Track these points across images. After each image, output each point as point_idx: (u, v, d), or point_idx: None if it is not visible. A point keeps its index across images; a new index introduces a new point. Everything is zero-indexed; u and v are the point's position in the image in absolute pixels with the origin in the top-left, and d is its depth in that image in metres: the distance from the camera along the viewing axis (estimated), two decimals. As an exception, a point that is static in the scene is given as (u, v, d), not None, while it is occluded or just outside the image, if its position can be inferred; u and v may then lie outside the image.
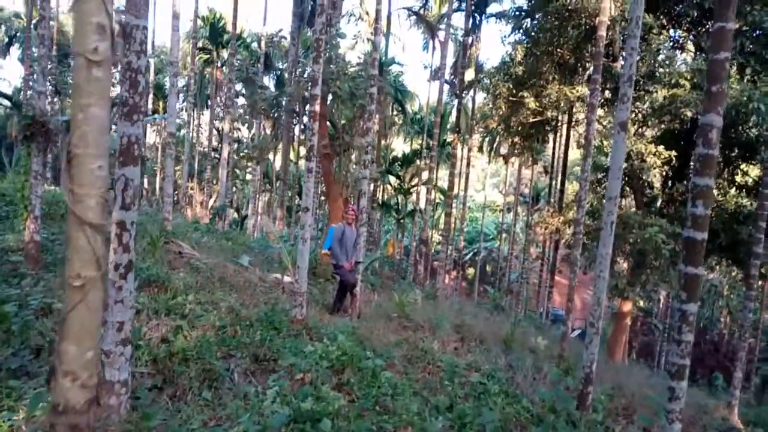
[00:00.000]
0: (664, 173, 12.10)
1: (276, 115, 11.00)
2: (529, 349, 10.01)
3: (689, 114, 10.75)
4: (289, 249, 14.39)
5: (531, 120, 14.07)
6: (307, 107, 6.07)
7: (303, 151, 30.75)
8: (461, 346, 8.64)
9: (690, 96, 10.64)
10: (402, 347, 7.36)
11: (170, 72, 9.56)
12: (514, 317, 15.83)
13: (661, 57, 12.56)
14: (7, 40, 28.47)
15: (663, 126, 11.40)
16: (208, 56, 26.51)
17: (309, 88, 6.04)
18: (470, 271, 48.26)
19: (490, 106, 14.32)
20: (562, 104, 12.84)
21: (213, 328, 5.65)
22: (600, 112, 15.02)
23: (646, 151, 11.24)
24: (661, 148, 11.44)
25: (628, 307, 14.04)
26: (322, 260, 11.76)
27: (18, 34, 26.60)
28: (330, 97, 11.60)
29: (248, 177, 29.58)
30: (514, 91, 13.62)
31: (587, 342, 5.93)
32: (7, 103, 29.94)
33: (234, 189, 39.95)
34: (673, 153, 11.54)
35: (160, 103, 28.14)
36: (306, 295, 6.85)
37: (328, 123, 12.07)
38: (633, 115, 11.69)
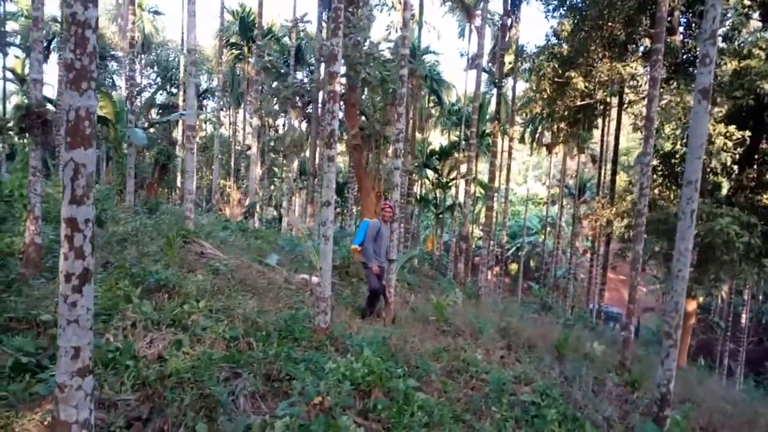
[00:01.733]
0: (734, 157, 10.79)
1: (302, 104, 10.33)
2: (584, 356, 8.98)
3: (767, 87, 9.43)
4: (319, 247, 13.77)
5: (578, 103, 12.91)
6: (327, 87, 5.25)
7: (339, 146, 30.32)
8: (508, 354, 7.71)
9: (766, 66, 9.32)
10: (441, 358, 6.51)
11: (188, 60, 8.95)
12: (564, 318, 14.71)
13: (725, 27, 11.21)
14: (45, 43, 28.96)
15: (735, 102, 10.10)
16: (239, 52, 26.15)
17: (326, 62, 5.22)
18: (513, 266, 46.82)
19: (534, 89, 13.23)
20: (614, 83, 11.65)
21: (222, 341, 4.93)
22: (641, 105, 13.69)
23: (714, 132, 9.97)
24: (732, 127, 10.15)
25: (692, 306, 12.72)
26: (354, 257, 11.00)
27: (56, 38, 26.94)
28: (360, 84, 10.79)
29: (289, 174, 29.20)
30: (560, 71, 12.49)
31: (663, 356, 4.94)
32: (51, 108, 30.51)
33: (272, 186, 39.86)
34: (747, 133, 10.23)
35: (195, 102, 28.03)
36: (330, 300, 6.07)
37: (358, 112, 11.28)
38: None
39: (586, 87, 11.99)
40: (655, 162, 14.21)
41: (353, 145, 11.05)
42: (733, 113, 10.96)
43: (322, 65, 10.54)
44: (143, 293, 5.82)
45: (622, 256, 14.11)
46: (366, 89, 10.80)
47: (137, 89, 12.21)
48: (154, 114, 33.23)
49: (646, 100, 12.09)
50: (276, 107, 9.85)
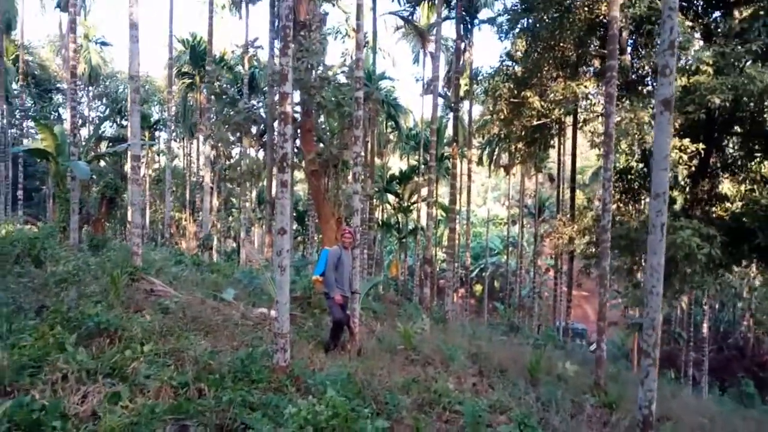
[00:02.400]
0: (689, 170, 10.95)
1: (256, 131, 9.95)
2: (558, 378, 8.75)
3: (717, 101, 9.63)
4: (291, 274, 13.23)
5: (535, 123, 12.98)
6: (279, 109, 4.92)
7: (297, 173, 29.90)
8: (480, 381, 7.39)
9: (714, 82, 9.54)
10: (411, 390, 6.13)
11: (132, 87, 8.49)
12: (532, 338, 14.54)
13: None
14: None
15: (687, 116, 10.30)
16: (191, 81, 25.62)
17: (277, 85, 4.90)
18: (477, 287, 46.90)
19: (491, 110, 13.27)
20: (569, 102, 11.76)
21: (169, 389, 4.43)
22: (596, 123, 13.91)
23: (669, 146, 10.09)
24: (686, 141, 10.32)
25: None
26: (316, 288, 10.55)
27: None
28: (315, 108, 10.51)
29: (246, 204, 28.53)
30: (515, 92, 12.58)
31: (642, 376, 4.70)
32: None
33: (230, 218, 38.92)
34: (701, 146, 10.41)
35: (146, 133, 27.19)
36: (290, 336, 5.63)
37: (314, 137, 10.98)
38: (651, 110, 10.59)
39: (542, 106, 12.08)
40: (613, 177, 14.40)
41: (311, 171, 10.72)
42: (685, 128, 11.20)
43: (275, 90, 10.24)
44: (80, 339, 5.26)
45: (585, 272, 14.13)
46: (321, 114, 10.53)
47: (80, 121, 11.59)
48: (104, 147, 32.11)
49: (600, 117, 12.27)
50: (228, 134, 9.44)
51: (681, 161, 10.31)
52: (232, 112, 9.50)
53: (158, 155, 35.21)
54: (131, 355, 4.82)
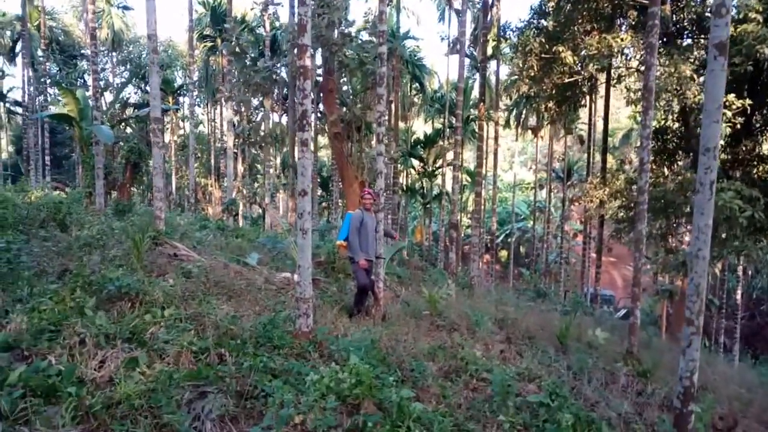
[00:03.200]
0: (734, 127, 10.30)
1: (276, 93, 9.67)
2: (588, 344, 8.51)
3: (767, 51, 8.93)
4: (315, 239, 13.12)
5: (566, 80, 12.36)
6: (297, 62, 4.63)
7: (321, 138, 29.56)
8: (508, 348, 7.19)
9: (763, 30, 8.84)
10: (437, 358, 5.97)
11: (149, 47, 8.25)
12: (560, 304, 14.27)
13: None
14: (11, 44, 27.79)
15: (732, 69, 9.62)
16: (212, 44, 25.27)
17: (295, 37, 4.59)
18: (503, 253, 46.54)
19: (520, 66, 12.67)
20: (604, 57, 11.10)
21: (188, 354, 4.33)
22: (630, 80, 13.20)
23: (713, 102, 9.48)
24: (731, 96, 9.68)
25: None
26: (340, 252, 10.42)
27: (21, 39, 25.89)
28: (337, 68, 10.16)
29: (270, 170, 28.47)
30: (546, 47, 11.93)
31: (685, 345, 4.42)
32: (20, 110, 29.46)
33: (256, 184, 39.05)
34: (747, 102, 9.76)
35: (170, 99, 27.11)
36: (313, 301, 5.48)
37: (337, 98, 10.65)
38: (692, 63, 9.94)
39: (574, 62, 11.47)
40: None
41: (333, 133, 10.43)
42: (730, 82, 10.46)
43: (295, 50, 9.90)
44: (100, 303, 5.20)
45: (616, 237, 13.68)
46: (344, 73, 10.16)
47: (102, 85, 11.45)
48: (130, 113, 32.25)
49: (637, 73, 11.62)
50: (249, 96, 9.18)
51: (724, 118, 9.69)
52: (252, 73, 9.20)
53: (182, 121, 35.23)
54: (151, 320, 4.72)
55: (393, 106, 16.28)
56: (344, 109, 10.63)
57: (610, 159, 31.60)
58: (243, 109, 8.92)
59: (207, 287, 6.86)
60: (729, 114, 9.71)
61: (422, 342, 6.67)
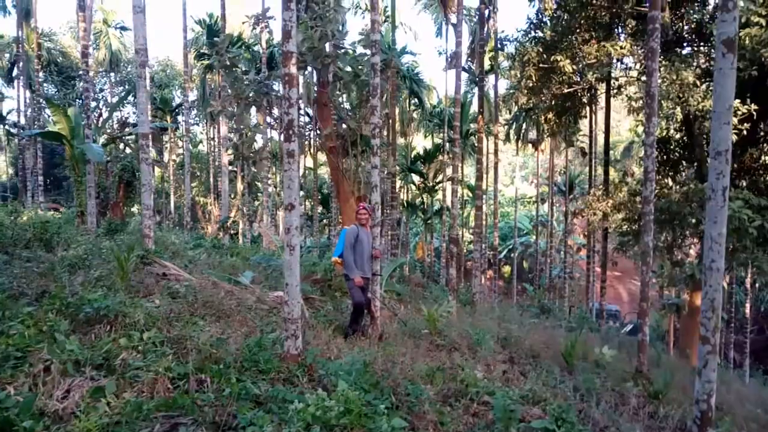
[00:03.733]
0: (740, 134, 10.02)
1: (271, 107, 9.45)
2: (595, 363, 8.15)
3: (774, 55, 8.71)
4: (308, 257, 12.79)
5: (565, 90, 12.14)
6: (283, 70, 4.39)
7: (322, 155, 29.36)
8: (511, 368, 6.84)
9: (767, 34, 8.62)
10: (435, 380, 5.62)
11: (137, 62, 8.05)
12: (565, 320, 13.88)
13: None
14: (9, 66, 27.83)
15: (737, 74, 9.36)
16: (209, 62, 25.23)
17: (282, 43, 4.36)
18: (506, 269, 46.09)
19: (518, 76, 12.48)
20: (603, 65, 10.88)
21: (165, 381, 4.01)
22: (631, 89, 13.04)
23: (717, 109, 9.22)
24: (736, 102, 9.42)
25: (700, 299, 11.93)
26: (337, 270, 10.12)
27: (20, 61, 25.92)
28: (331, 80, 9.95)
29: (269, 188, 28.23)
30: (544, 56, 11.74)
31: (700, 366, 4.09)
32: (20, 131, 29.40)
33: (257, 202, 38.82)
34: (753, 107, 9.50)
35: (168, 118, 27.02)
36: (302, 321, 5.16)
37: (332, 112, 10.43)
38: (693, 68, 9.71)
39: (573, 70, 11.26)
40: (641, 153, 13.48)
41: (328, 147, 10.20)
42: (740, 86, 10.17)
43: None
44: (77, 327, 4.91)
45: (621, 251, 13.36)
46: (338, 86, 9.96)
47: (97, 104, 11.27)
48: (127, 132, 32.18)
49: (637, 81, 11.40)
50: (240, 110, 8.94)
51: (731, 124, 9.39)
52: (243, 86, 8.98)
53: (180, 140, 35.17)
54: (126, 344, 4.41)
55: (391, 120, 16.09)
56: (340, 123, 10.40)
57: (612, 171, 31.36)
58: (235, 125, 8.73)
59: (194, 308, 6.55)
60: (734, 120, 9.45)
61: (420, 363, 6.33)
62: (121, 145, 19.20)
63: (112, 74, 31.25)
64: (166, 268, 8.24)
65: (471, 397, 5.23)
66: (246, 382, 4.35)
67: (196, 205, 35.98)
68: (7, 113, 37.06)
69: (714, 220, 3.97)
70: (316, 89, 10.43)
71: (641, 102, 10.35)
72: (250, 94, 8.95)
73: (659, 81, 10.49)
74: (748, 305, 21.27)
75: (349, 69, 9.70)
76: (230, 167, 31.76)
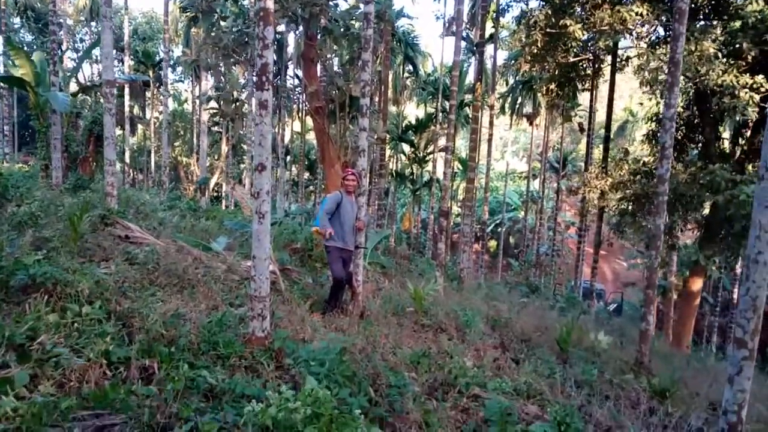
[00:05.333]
0: (760, 113, 9.35)
1: (249, 56, 8.59)
2: (590, 350, 7.63)
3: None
4: (289, 225, 12.04)
5: (571, 59, 11.36)
6: (258, 4, 3.60)
7: (310, 121, 28.39)
8: (502, 355, 6.27)
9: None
10: (420, 368, 5.03)
11: (101, 1, 7.14)
12: (553, 300, 13.40)
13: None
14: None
15: (762, 48, 8.70)
16: (194, 15, 23.89)
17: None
18: (492, 243, 45.79)
19: (522, 40, 11.64)
20: (616, 32, 10.08)
21: (97, 369, 3.34)
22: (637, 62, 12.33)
23: (738, 84, 8.56)
24: (760, 77, 8.76)
25: (699, 284, 11.51)
26: (317, 240, 9.45)
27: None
28: (320, 34, 9.08)
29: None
30: (553, 20, 10.89)
31: (733, 372, 3.50)
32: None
33: (242, 165, 37.73)
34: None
35: (150, 72, 25.73)
36: (269, 301, 4.48)
37: (319, 69, 9.59)
38: (712, 41, 8.98)
39: (583, 36, 10.45)
40: (648, 128, 12.84)
41: (314, 107, 9.39)
42: (759, 61, 9.50)
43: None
44: (7, 296, 4.21)
45: (619, 230, 12.85)
46: (327, 41, 9.11)
47: (59, 48, 10.30)
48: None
49: (648, 52, 10.64)
50: (214, 60, 8.09)
51: (752, 102, 8.78)
52: (220, 35, 8.10)
53: (163, 97, 33.85)
54: (56, 321, 3.70)
55: (383, 86, 15.24)
56: (328, 81, 9.57)
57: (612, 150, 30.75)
58: (213, 78, 7.92)
59: (154, 276, 5.87)
60: (756, 98, 8.79)
61: (404, 347, 5.75)
62: (96, 97, 18.10)
63: (93, 23, 29.65)
64: (129, 230, 7.50)
65: (460, 390, 4.66)
66: (200, 369, 3.69)
67: (179, 165, 34.88)
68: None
69: (765, 204, 3.32)
70: (302, 44, 9.57)
71: (651, 75, 9.65)
72: (228, 42, 8.08)
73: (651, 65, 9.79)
74: (736, 291, 21.04)
75: (339, 22, 8.84)
76: (216, 128, 30.66)
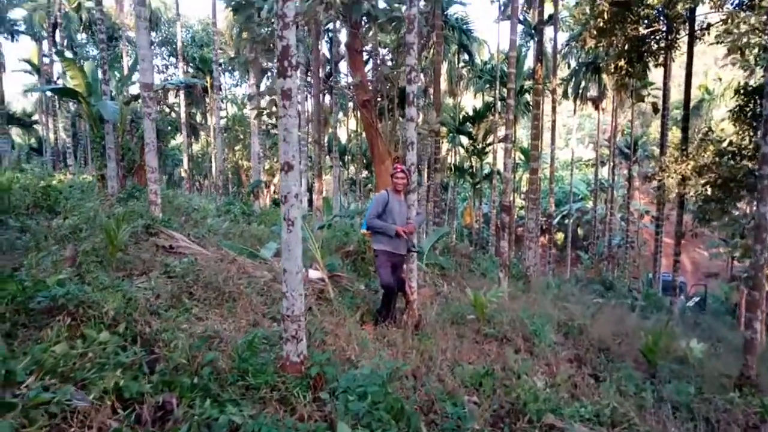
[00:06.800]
0: None
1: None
2: (680, 360, 6.67)
3: None
4: (342, 226, 11.57)
5: (642, 31, 10.20)
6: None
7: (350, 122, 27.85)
8: (579, 371, 5.48)
9: None
10: (483, 389, 4.38)
11: (136, 1, 6.89)
12: (630, 298, 12.25)
13: None
14: (51, 28, 27.55)
15: None
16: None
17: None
18: (558, 235, 43.87)
19: (587, 13, 10.60)
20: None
21: (107, 410, 2.91)
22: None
23: None
24: None
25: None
26: (370, 241, 8.89)
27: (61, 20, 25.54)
28: (364, 21, 8.52)
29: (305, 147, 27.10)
30: (622, -14, 9.81)
31: None
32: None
33: (307, 167, 37.93)
34: None
35: (208, 79, 26.17)
36: (305, 321, 3.94)
37: (365, 59, 9.03)
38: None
39: (658, 1, 9.27)
40: (736, 102, 11.39)
41: (361, 101, 8.86)
42: None
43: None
44: (30, 320, 3.90)
45: (704, 219, 11.55)
46: (372, 28, 8.52)
47: (108, 57, 10.34)
48: (172, 97, 31.60)
49: (729, 20, 9.38)
50: (251, 55, 7.68)
51: None
52: (254, 27, 7.69)
53: (222, 102, 34.49)
54: (63, 351, 3.30)
55: (436, 74, 14.50)
56: (375, 70, 8.99)
57: (676, 132, 28.39)
58: (253, 74, 7.57)
59: (193, 290, 5.49)
60: None
61: (464, 363, 5.09)
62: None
63: (153, 33, 30.55)
64: (173, 240, 7.25)
65: (530, 419, 3.97)
66: (226, 405, 3.21)
67: (240, 169, 35.48)
68: (58, 77, 37.32)
69: None
70: (346, 35, 9.04)
71: (744, 39, 8.43)
72: (266, 34, 7.65)
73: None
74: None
75: (383, 6, 8.23)
76: (275, 130, 30.85)
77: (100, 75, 11.33)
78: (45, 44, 29.85)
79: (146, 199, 10.45)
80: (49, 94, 24.70)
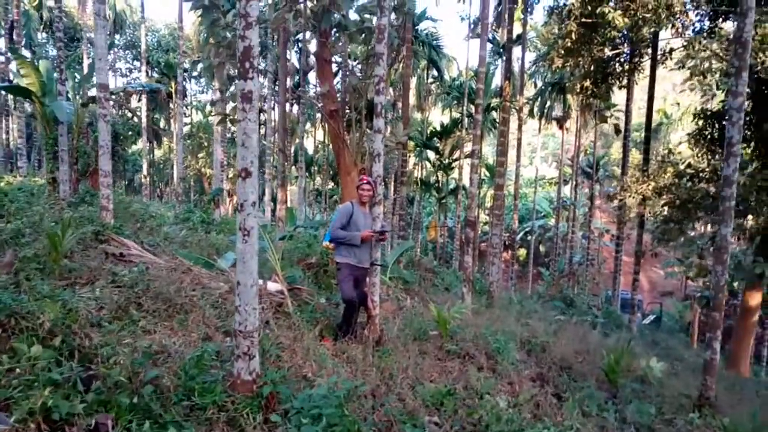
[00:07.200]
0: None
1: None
2: (640, 379, 6.67)
3: None
4: (304, 237, 11.28)
5: (608, 53, 10.40)
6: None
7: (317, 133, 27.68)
8: (541, 391, 5.38)
9: None
10: (445, 409, 4.23)
11: (93, -3, 6.58)
12: (592, 316, 12.35)
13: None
14: (9, 27, 26.54)
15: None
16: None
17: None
18: (521, 251, 44.41)
19: (555, 32, 10.75)
20: (660, 19, 9.10)
21: (24, 431, 2.63)
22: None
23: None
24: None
25: (757, 299, 10.35)
26: (333, 254, 8.67)
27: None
28: (334, 30, 8.38)
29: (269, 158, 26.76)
30: (590, 8, 9.93)
31: None
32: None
33: (272, 176, 37.40)
34: None
35: (172, 84, 25.56)
36: (258, 337, 3.71)
37: (334, 69, 8.88)
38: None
39: (624, 25, 9.44)
40: (695, 125, 11.70)
41: (329, 111, 8.68)
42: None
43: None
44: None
45: (663, 239, 11.76)
46: (341, 38, 8.39)
47: (65, 56, 9.89)
48: (135, 101, 30.76)
49: (693, 42, 9.64)
50: (215, 60, 7.42)
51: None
52: (220, 31, 7.45)
53: (187, 108, 33.77)
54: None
55: (405, 88, 14.50)
56: (343, 81, 8.85)
57: (636, 154, 29.27)
58: (216, 81, 7.30)
59: (139, 301, 5.17)
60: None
61: (426, 381, 4.93)
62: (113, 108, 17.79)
63: (117, 36, 29.77)
64: (124, 247, 6.88)
65: (492, 441, 3.83)
66: (168, 427, 2.96)
67: (203, 177, 34.72)
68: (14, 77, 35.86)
69: None
70: (315, 45, 8.90)
71: (705, 64, 8.66)
72: (231, 38, 7.42)
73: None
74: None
75: (354, 17, 8.13)
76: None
77: (56, 75, 10.89)
78: (2, 42, 28.68)
79: (98, 204, 10.02)
80: (2, 93, 23.70)
